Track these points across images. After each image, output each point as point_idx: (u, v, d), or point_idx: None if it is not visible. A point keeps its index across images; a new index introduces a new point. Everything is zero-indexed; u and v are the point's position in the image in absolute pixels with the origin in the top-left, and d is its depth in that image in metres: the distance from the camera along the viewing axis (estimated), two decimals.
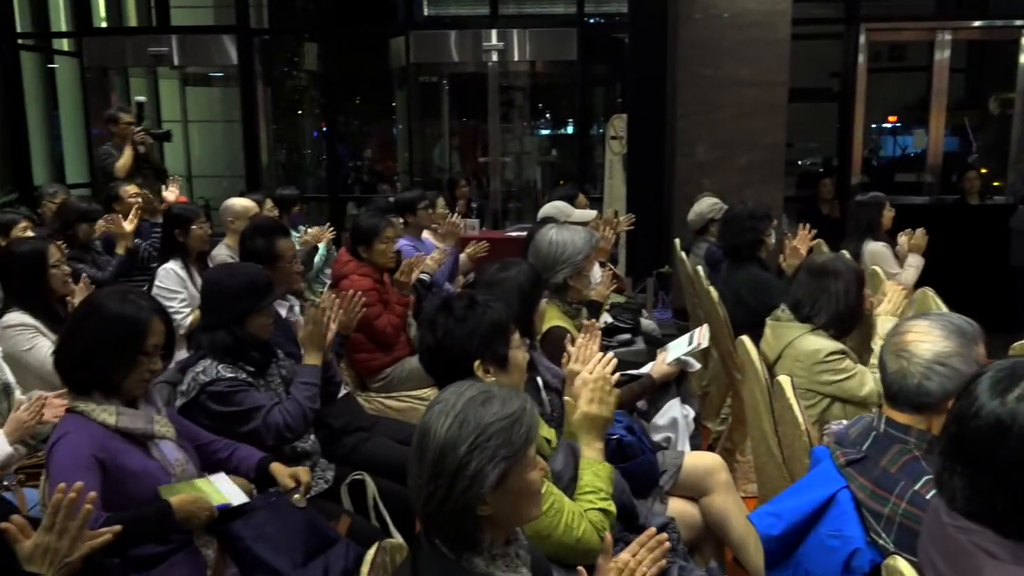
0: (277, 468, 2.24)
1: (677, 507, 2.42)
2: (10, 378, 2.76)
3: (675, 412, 2.78)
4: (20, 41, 8.49)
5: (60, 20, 9.11)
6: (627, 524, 2.05)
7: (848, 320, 2.73)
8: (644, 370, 2.89)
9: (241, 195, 5.36)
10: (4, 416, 2.58)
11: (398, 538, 2.31)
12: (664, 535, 1.45)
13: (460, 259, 4.89)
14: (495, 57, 8.09)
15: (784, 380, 2.32)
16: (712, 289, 3.85)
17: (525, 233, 4.53)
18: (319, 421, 2.77)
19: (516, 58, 8.20)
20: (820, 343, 2.67)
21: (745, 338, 2.80)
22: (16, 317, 2.99)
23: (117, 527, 1.55)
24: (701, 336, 2.91)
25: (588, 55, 8.15)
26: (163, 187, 5.81)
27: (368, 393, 3.68)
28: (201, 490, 2.00)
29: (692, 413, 2.82)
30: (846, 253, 4.05)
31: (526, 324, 2.44)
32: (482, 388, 1.43)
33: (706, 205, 5.10)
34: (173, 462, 2.06)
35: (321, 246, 5.04)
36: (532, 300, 2.53)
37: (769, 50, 6.30)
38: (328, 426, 2.87)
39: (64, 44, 9.01)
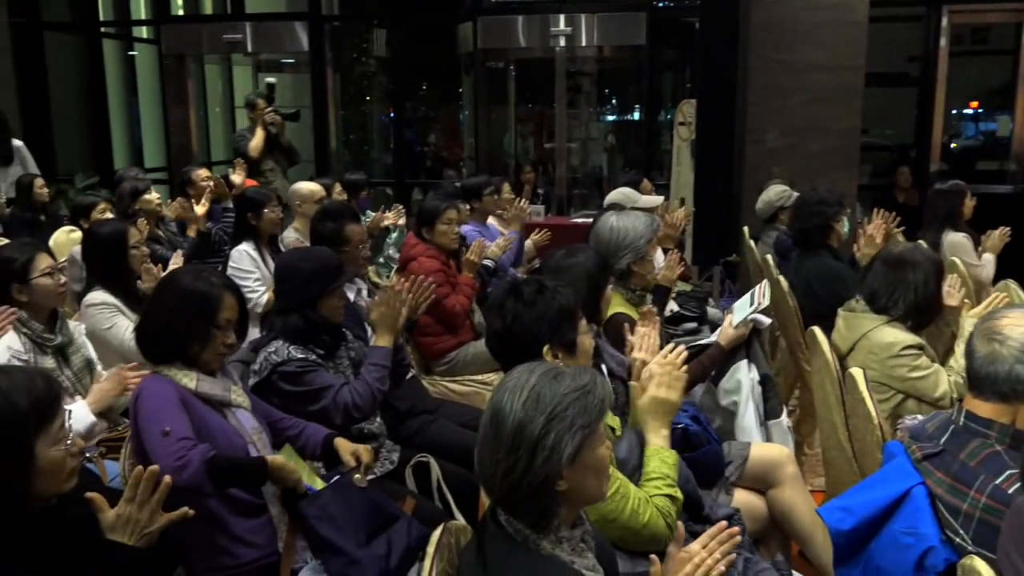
0: (340, 443, 2.28)
1: (742, 498, 2.38)
2: (93, 354, 2.87)
3: (741, 374, 2.72)
4: (102, 29, 8.79)
5: (140, 8, 9.40)
6: (692, 514, 2.04)
7: (926, 312, 2.65)
8: (712, 338, 2.85)
9: (310, 180, 5.46)
10: (87, 390, 2.69)
11: (461, 520, 2.33)
12: (735, 528, 1.43)
13: (527, 248, 4.89)
14: (562, 42, 8.04)
15: (857, 372, 2.27)
16: (781, 278, 3.77)
17: (590, 220, 4.51)
18: (385, 403, 2.81)
19: (584, 43, 8.12)
20: (896, 336, 2.59)
21: (816, 329, 2.74)
22: (98, 296, 3.11)
23: (191, 511, 1.61)
24: (761, 294, 2.85)
25: (657, 40, 8.02)
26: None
27: (432, 377, 3.72)
28: (304, 470, 2.09)
29: (757, 376, 2.75)
30: (923, 243, 3.92)
31: (593, 310, 2.43)
32: (550, 366, 1.44)
33: (774, 193, 4.99)
34: (250, 430, 2.13)
35: (395, 229, 5.10)
36: (600, 286, 2.52)
37: (845, 33, 6.11)
38: (394, 408, 2.91)
39: (143, 32, 9.28)
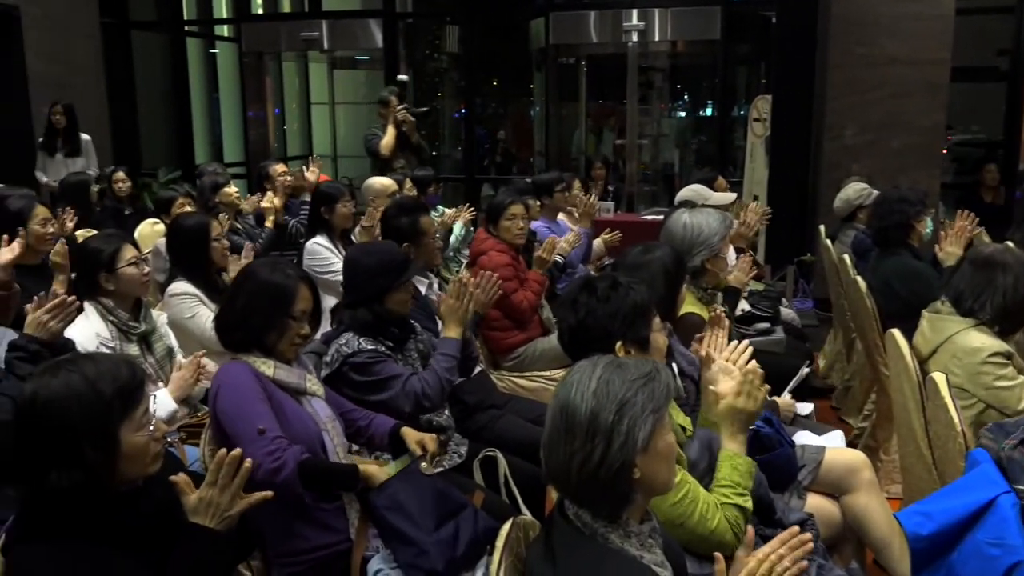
0: (407, 432, 2.30)
1: (815, 503, 2.33)
2: (174, 343, 2.97)
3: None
4: (186, 28, 9.08)
5: (222, 7, 9.68)
6: (763, 518, 2.00)
7: (1015, 317, 2.54)
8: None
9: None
10: (168, 377, 2.78)
11: (527, 515, 2.34)
12: (808, 535, 1.39)
13: (596, 246, 4.88)
14: (635, 37, 7.96)
15: (939, 378, 2.19)
16: (859, 278, 3.67)
17: (660, 217, 4.47)
18: (454, 397, 2.84)
19: (656, 38, 8.05)
20: (984, 341, 2.49)
21: (895, 331, 2.66)
22: (181, 286, 3.21)
23: (269, 493, 1.66)
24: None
25: (732, 34, 7.89)
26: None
27: (500, 372, 3.73)
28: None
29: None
30: (1011, 244, 3.76)
31: (669, 307, 2.41)
32: (612, 357, 1.46)
33: (853, 191, 4.86)
34: (324, 417, 2.18)
35: (457, 226, 5.13)
36: (676, 283, 2.50)
37: (930, 26, 5.91)
38: (462, 402, 2.94)
39: (224, 30, 9.56)
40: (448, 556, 1.97)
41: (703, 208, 3.24)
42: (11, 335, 2.42)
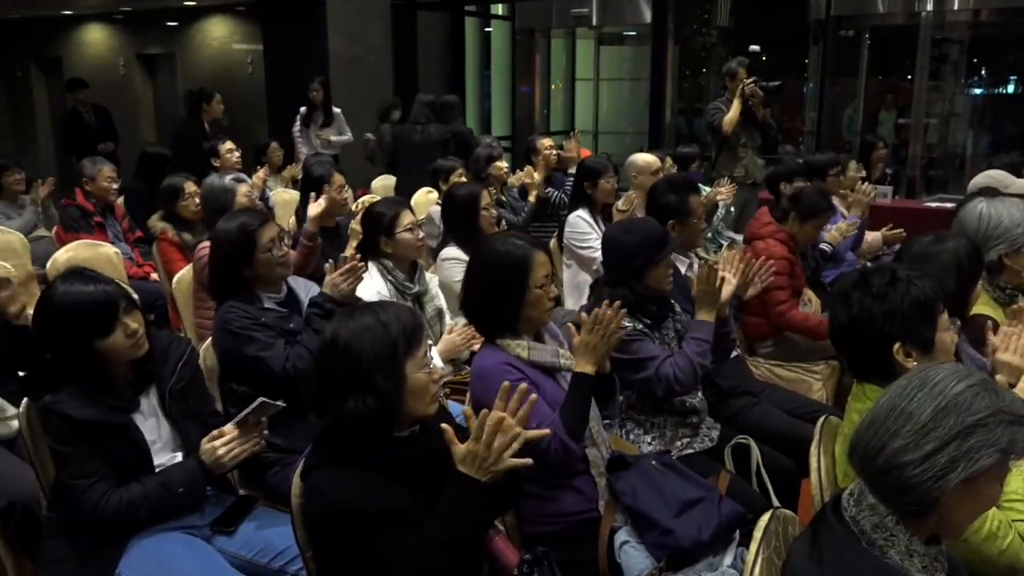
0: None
1: None
2: (443, 304, 3.18)
3: None
4: (465, 8, 9.59)
5: None
6: None
7: None
8: None
9: (640, 151, 5.50)
10: (437, 336, 2.99)
11: (779, 506, 2.25)
12: None
13: (873, 239, 4.55)
14: (930, 6, 7.25)
15: None
16: None
17: (947, 206, 4.06)
18: (707, 380, 2.79)
19: (956, 7, 7.27)
20: None
21: None
22: (452, 251, 3.43)
23: (528, 460, 1.66)
24: None
25: None
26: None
27: (756, 358, 3.61)
28: None
29: None
30: None
31: (960, 304, 2.18)
32: (988, 378, 1.31)
33: None
34: None
35: (722, 205, 5.00)
36: (971, 278, 2.25)
37: None
38: (716, 386, 2.87)
39: (499, 9, 9.97)
40: (693, 537, 1.95)
41: (1005, 197, 2.89)
42: (315, 289, 2.72)
